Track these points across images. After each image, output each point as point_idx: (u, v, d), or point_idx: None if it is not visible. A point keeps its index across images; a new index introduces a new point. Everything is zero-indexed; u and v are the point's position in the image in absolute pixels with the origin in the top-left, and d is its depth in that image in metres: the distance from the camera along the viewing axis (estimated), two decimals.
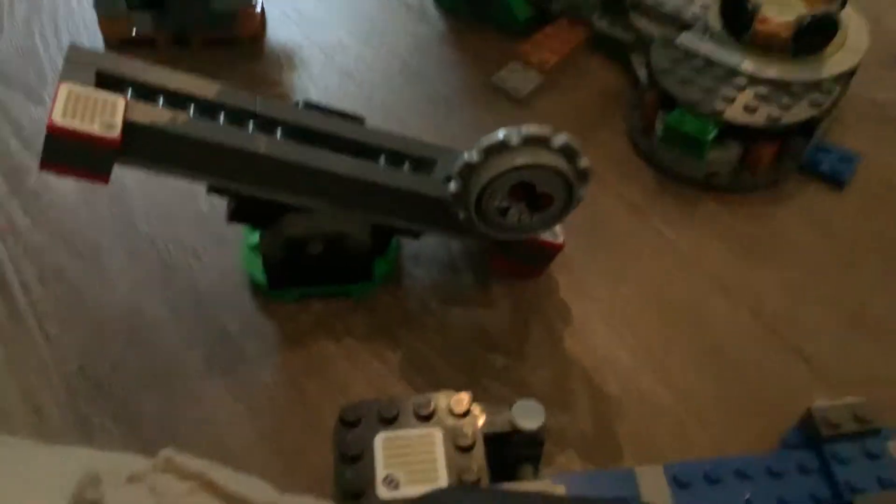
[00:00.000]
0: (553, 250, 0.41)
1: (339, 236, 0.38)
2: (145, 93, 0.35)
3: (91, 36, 0.54)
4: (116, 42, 0.53)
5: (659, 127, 0.47)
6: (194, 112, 0.36)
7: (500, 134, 0.35)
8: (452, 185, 0.36)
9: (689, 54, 0.49)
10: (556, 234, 0.41)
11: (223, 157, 0.35)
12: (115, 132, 0.32)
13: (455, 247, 0.44)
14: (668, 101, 0.47)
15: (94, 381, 0.38)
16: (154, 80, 0.36)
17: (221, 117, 0.37)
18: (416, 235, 0.41)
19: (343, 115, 0.40)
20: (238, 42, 0.54)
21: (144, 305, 0.41)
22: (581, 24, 0.56)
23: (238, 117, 0.37)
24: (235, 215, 0.38)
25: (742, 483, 0.33)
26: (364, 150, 0.39)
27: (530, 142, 0.35)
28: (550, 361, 0.39)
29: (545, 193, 0.36)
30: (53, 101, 0.32)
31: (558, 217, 0.38)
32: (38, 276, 0.41)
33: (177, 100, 0.36)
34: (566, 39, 0.55)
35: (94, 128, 0.32)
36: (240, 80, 0.53)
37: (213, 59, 0.54)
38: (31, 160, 0.47)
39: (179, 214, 0.44)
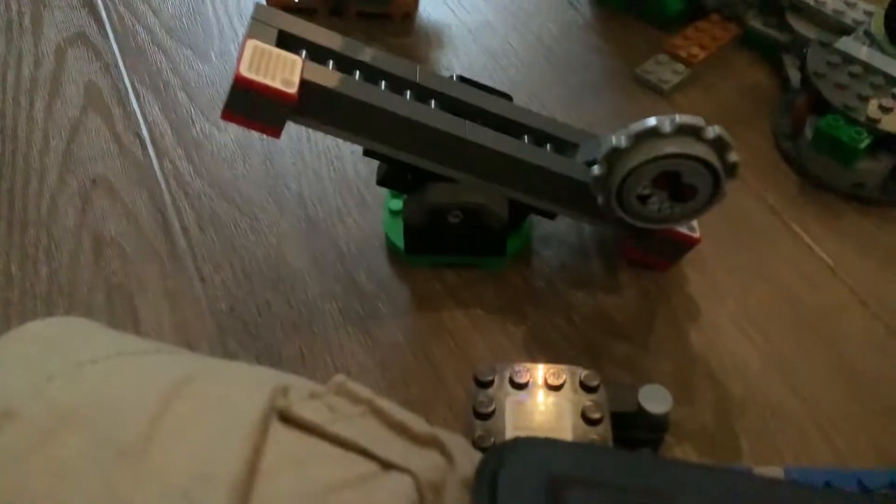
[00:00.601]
0: (688, 244, 0.41)
1: (478, 209, 0.40)
2: (319, 55, 0.38)
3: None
4: (278, 8, 0.56)
5: (808, 132, 0.46)
6: (360, 76, 0.38)
7: (652, 120, 0.35)
8: (596, 169, 0.37)
9: (847, 59, 0.47)
10: (694, 227, 0.41)
11: (385, 121, 0.37)
12: (293, 88, 0.34)
13: (586, 231, 0.45)
14: (820, 106, 0.46)
15: (242, 321, 0.40)
16: (327, 44, 0.38)
17: (384, 83, 0.39)
18: (551, 216, 0.42)
19: (492, 92, 0.42)
20: (391, 17, 0.56)
21: (289, 256, 0.43)
22: (733, 21, 0.55)
23: (399, 85, 0.39)
24: (385, 180, 0.40)
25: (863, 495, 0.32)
26: (510, 127, 0.40)
27: (682, 131, 0.35)
28: (674, 355, 0.40)
29: (690, 185, 0.36)
30: (240, 54, 0.35)
31: (700, 210, 0.38)
32: (197, 221, 0.45)
33: (346, 64, 0.38)
34: (717, 35, 0.54)
35: (276, 83, 0.34)
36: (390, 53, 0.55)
37: (366, 32, 0.56)
38: (196, 112, 0.50)
39: (326, 176, 0.47)
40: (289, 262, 0.43)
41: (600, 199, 0.38)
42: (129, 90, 0.52)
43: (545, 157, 0.39)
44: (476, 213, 0.40)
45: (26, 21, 0.56)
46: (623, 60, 0.54)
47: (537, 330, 0.40)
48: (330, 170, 0.47)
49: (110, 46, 0.54)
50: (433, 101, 0.39)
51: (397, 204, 0.43)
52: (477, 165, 0.39)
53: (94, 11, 0.57)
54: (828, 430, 0.37)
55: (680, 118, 0.35)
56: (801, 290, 0.42)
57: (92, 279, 0.42)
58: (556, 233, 0.44)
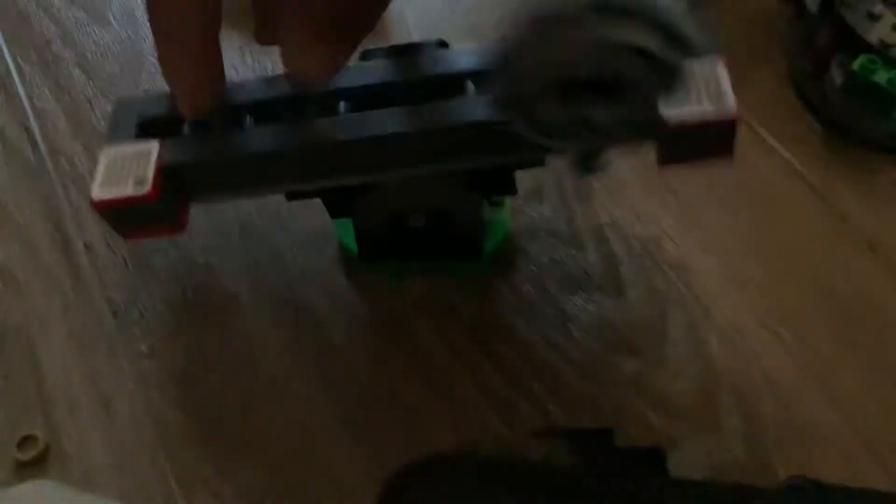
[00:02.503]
0: (726, 127, 0.28)
1: (444, 211, 0.32)
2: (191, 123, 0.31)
3: None
4: None
5: (836, 74, 0.39)
6: (251, 121, 0.31)
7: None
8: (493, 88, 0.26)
9: None
10: (723, 98, 0.28)
11: (280, 162, 0.30)
12: (147, 186, 0.29)
13: (579, 215, 0.37)
14: (848, 40, 0.38)
15: (167, 368, 0.33)
16: None
17: (283, 112, 0.31)
18: (541, 162, 0.32)
19: (418, 48, 0.32)
20: None
21: (221, 277, 0.36)
22: None
23: (298, 105, 0.31)
24: (336, 211, 0.33)
25: None
26: (448, 83, 0.31)
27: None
28: (693, 369, 0.33)
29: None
30: (96, 170, 0.30)
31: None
32: (103, 235, 0.37)
33: (227, 114, 0.31)
34: None
35: (128, 189, 0.29)
36: None
37: None
38: (96, 94, 0.41)
39: None
40: (221, 283, 0.35)
41: (514, 126, 0.26)
42: (12, 69, 0.42)
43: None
44: (442, 215, 0.32)
45: None
46: None
47: (529, 352, 0.33)
48: None
49: None
50: (341, 105, 0.31)
51: None
52: (416, 156, 0.30)
53: None
54: (880, 450, 0.31)
55: None
56: (837, 275, 0.35)
57: None
58: (542, 220, 0.37)
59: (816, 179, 0.38)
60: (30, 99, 0.41)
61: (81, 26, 0.44)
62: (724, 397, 0.32)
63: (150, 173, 0.29)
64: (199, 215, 0.37)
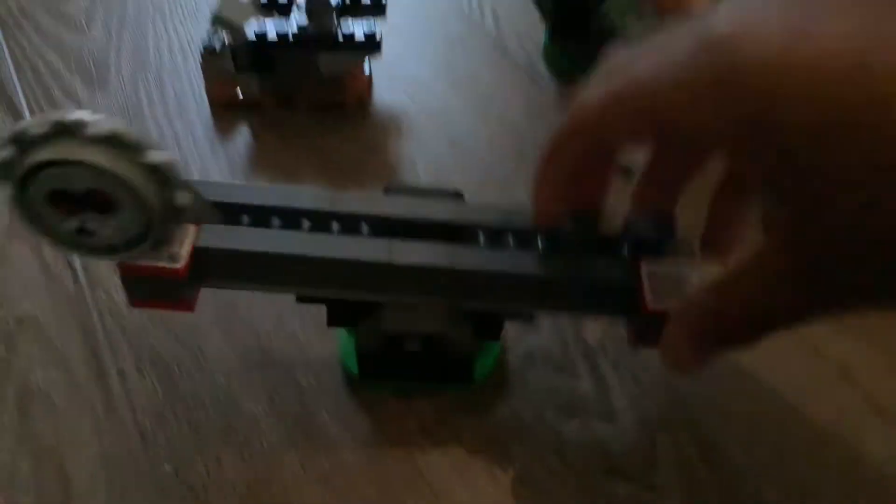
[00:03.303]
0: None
1: (438, 336, 0.35)
2: (231, 213, 0.34)
3: (197, 96, 0.53)
4: (222, 103, 0.52)
5: None
6: (278, 224, 0.35)
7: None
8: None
9: None
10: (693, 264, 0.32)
11: (294, 266, 0.33)
12: (181, 262, 0.32)
13: (573, 347, 0.40)
14: None
15: (188, 486, 0.35)
16: (239, 199, 0.34)
17: (306, 223, 0.35)
18: (530, 318, 0.37)
19: (437, 193, 0.37)
20: (345, 105, 0.52)
21: (242, 399, 0.38)
22: None
23: (320, 218, 0.35)
24: (335, 320, 0.36)
25: None
26: (458, 230, 0.35)
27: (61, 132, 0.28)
28: (682, 494, 0.35)
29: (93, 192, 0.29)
30: None
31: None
32: (135, 362, 0.40)
33: (261, 215, 0.35)
34: None
35: (161, 261, 0.32)
36: (345, 145, 0.51)
37: (319, 123, 0.52)
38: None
39: (282, 296, 0.42)
40: (241, 405, 0.38)
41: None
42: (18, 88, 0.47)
43: (493, 258, 0.34)
44: (436, 341, 0.36)
45: None
46: None
47: (527, 473, 0.36)
48: None
49: None
50: (363, 225, 0.35)
51: None
52: (416, 285, 0.33)
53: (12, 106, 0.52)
54: None
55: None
56: (808, 398, 0.38)
57: (16, 443, 0.37)
58: (540, 347, 0.40)
59: None
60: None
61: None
62: None
63: (186, 251, 0.32)
64: (222, 342, 0.40)
